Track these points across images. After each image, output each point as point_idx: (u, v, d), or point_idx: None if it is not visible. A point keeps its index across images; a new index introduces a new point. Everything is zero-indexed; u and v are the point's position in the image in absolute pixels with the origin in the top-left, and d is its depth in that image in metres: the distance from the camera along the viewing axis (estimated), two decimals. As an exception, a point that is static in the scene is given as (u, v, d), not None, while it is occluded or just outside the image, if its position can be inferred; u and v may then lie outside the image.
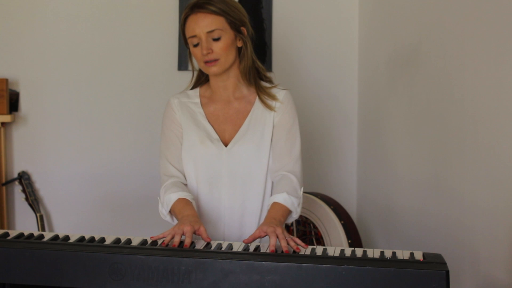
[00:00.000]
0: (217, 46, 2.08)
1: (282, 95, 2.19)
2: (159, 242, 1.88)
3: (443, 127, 2.54)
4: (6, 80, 3.29)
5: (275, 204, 2.06)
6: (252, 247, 1.86)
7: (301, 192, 2.13)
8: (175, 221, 2.12)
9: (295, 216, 2.11)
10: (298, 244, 1.86)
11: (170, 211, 2.11)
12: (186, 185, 2.19)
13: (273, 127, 2.16)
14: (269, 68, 3.41)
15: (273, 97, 2.17)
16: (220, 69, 2.12)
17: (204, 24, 2.07)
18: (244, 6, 2.22)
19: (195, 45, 2.10)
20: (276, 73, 3.39)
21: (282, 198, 2.06)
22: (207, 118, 2.19)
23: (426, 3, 2.70)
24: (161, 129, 2.25)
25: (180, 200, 2.08)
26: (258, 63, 2.22)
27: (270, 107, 2.16)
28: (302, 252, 1.80)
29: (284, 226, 2.02)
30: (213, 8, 2.07)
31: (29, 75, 3.40)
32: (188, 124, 2.19)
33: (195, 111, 2.20)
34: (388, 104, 3.10)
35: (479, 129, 2.25)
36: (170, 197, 2.09)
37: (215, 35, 2.07)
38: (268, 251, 1.82)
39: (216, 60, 2.09)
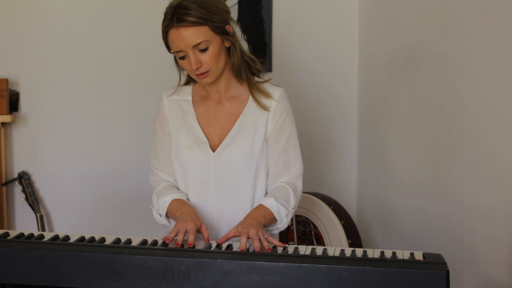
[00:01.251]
0: (206, 57, 1.98)
1: (277, 94, 2.09)
2: (159, 242, 1.88)
3: (443, 127, 2.54)
4: (6, 80, 3.29)
5: (259, 206, 2.02)
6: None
7: (293, 205, 2.07)
8: (173, 224, 2.09)
9: (280, 226, 2.05)
10: (274, 245, 1.84)
11: (166, 214, 2.08)
12: (177, 188, 2.15)
13: (266, 129, 2.09)
14: (269, 68, 3.41)
15: (267, 95, 2.08)
16: (213, 79, 2.03)
17: (188, 38, 1.95)
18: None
19: (182, 58, 2.00)
20: (276, 73, 3.39)
21: (269, 202, 2.01)
22: (197, 118, 2.12)
23: (426, 3, 2.70)
24: (153, 132, 2.20)
25: (175, 201, 2.06)
26: (247, 54, 2.11)
27: (264, 107, 2.07)
28: (302, 252, 1.80)
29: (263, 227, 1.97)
30: (193, 19, 1.94)
31: (29, 75, 3.40)
32: (178, 124, 2.13)
33: (186, 110, 2.14)
34: (388, 104, 3.10)
35: (479, 129, 2.25)
36: (164, 200, 2.06)
37: (202, 47, 1.96)
38: (264, 251, 1.82)
39: (207, 72, 2.00)
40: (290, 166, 2.11)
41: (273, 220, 2.03)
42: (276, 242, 1.85)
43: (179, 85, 2.18)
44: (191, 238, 1.84)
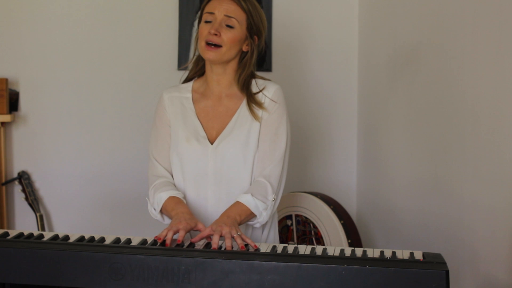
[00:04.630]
0: (226, 34, 2.08)
1: (272, 91, 2.16)
2: (159, 242, 1.88)
3: (442, 127, 2.54)
4: (6, 80, 3.29)
5: (236, 203, 2.06)
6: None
7: (272, 198, 2.09)
8: (166, 220, 2.13)
9: (261, 220, 2.08)
10: (247, 244, 1.87)
11: (161, 210, 2.11)
12: (174, 185, 2.18)
13: (260, 123, 2.14)
14: (269, 67, 3.41)
15: (260, 106, 2.15)
16: (217, 58, 2.10)
17: (227, 8, 2.09)
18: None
19: (207, 21, 2.11)
20: (276, 73, 3.39)
21: (245, 198, 2.05)
22: (196, 114, 2.18)
23: (426, 3, 2.70)
24: (152, 125, 2.25)
25: (171, 198, 2.08)
26: (257, 75, 2.21)
27: (256, 117, 2.14)
28: (301, 252, 1.80)
29: (239, 225, 2.00)
30: (242, 2, 2.10)
31: (29, 75, 3.39)
32: (177, 120, 2.18)
33: (186, 106, 2.20)
34: (388, 104, 3.10)
35: (479, 128, 2.25)
36: (160, 196, 2.09)
37: (231, 22, 2.09)
38: (268, 251, 1.82)
39: (218, 47, 2.09)
40: (273, 152, 2.14)
41: (251, 215, 2.06)
42: (249, 241, 1.88)
43: (190, 61, 2.26)
44: (181, 234, 1.87)
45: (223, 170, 2.13)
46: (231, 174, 2.13)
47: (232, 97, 2.18)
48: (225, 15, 2.08)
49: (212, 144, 2.14)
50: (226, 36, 2.08)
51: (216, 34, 2.07)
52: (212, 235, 1.89)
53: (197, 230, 1.97)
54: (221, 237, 1.89)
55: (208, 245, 1.89)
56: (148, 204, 2.16)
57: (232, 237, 1.88)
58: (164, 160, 2.19)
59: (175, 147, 2.17)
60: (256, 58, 2.18)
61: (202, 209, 2.15)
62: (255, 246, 1.85)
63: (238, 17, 2.10)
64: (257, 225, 2.12)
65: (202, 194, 2.15)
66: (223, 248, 1.85)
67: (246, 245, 1.88)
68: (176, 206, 2.05)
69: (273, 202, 2.10)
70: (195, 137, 2.15)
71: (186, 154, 2.15)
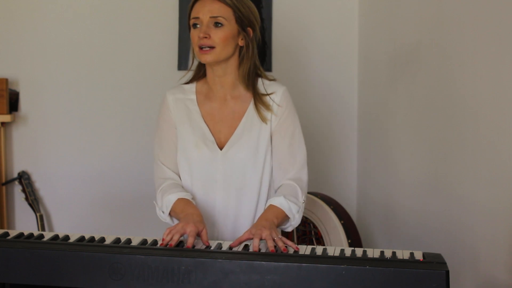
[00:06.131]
0: (216, 34, 2.03)
1: (279, 95, 2.13)
2: (159, 242, 1.88)
3: (443, 127, 2.54)
4: (6, 80, 3.29)
5: (270, 206, 2.03)
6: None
7: (303, 199, 2.08)
8: (175, 222, 2.09)
9: (293, 223, 2.06)
10: (287, 245, 1.84)
11: (170, 213, 2.08)
12: (182, 186, 2.15)
13: (271, 129, 2.12)
14: (269, 68, 3.41)
15: (268, 108, 2.11)
16: (214, 59, 2.05)
17: (211, 7, 2.04)
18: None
19: (195, 26, 2.06)
20: (276, 73, 3.39)
21: (278, 201, 2.02)
22: (203, 117, 2.14)
23: (426, 3, 2.70)
24: (155, 128, 2.21)
25: (180, 200, 2.05)
26: (262, 70, 2.16)
27: (263, 119, 2.11)
28: (301, 252, 1.80)
29: (277, 228, 1.98)
30: None
31: (29, 75, 3.40)
32: (183, 123, 2.14)
33: (191, 108, 2.15)
34: (388, 104, 3.10)
35: (479, 128, 2.25)
36: (169, 198, 2.06)
37: (218, 21, 2.03)
38: (268, 251, 1.82)
39: (211, 48, 2.04)
40: (295, 158, 2.13)
41: (285, 218, 2.04)
42: (290, 243, 1.85)
43: (189, 67, 2.21)
44: (190, 241, 1.83)
45: (232, 175, 2.10)
46: (240, 180, 2.10)
47: (238, 99, 2.14)
48: (211, 17, 2.03)
49: (221, 149, 2.11)
50: (217, 36, 2.03)
51: (206, 37, 2.03)
52: (250, 238, 1.87)
53: (198, 236, 1.94)
54: (261, 240, 1.85)
55: (207, 246, 1.88)
56: (157, 208, 2.12)
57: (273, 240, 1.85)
58: (171, 163, 2.15)
59: (183, 151, 2.13)
60: (254, 50, 2.13)
61: (210, 214, 2.12)
62: (297, 248, 1.83)
63: (224, 14, 2.04)
64: (289, 229, 2.09)
65: (210, 198, 2.12)
66: (222, 248, 1.85)
67: (246, 246, 1.88)
68: (186, 208, 2.01)
69: (303, 204, 2.08)
70: (203, 142, 2.11)
71: (195, 159, 2.11)
